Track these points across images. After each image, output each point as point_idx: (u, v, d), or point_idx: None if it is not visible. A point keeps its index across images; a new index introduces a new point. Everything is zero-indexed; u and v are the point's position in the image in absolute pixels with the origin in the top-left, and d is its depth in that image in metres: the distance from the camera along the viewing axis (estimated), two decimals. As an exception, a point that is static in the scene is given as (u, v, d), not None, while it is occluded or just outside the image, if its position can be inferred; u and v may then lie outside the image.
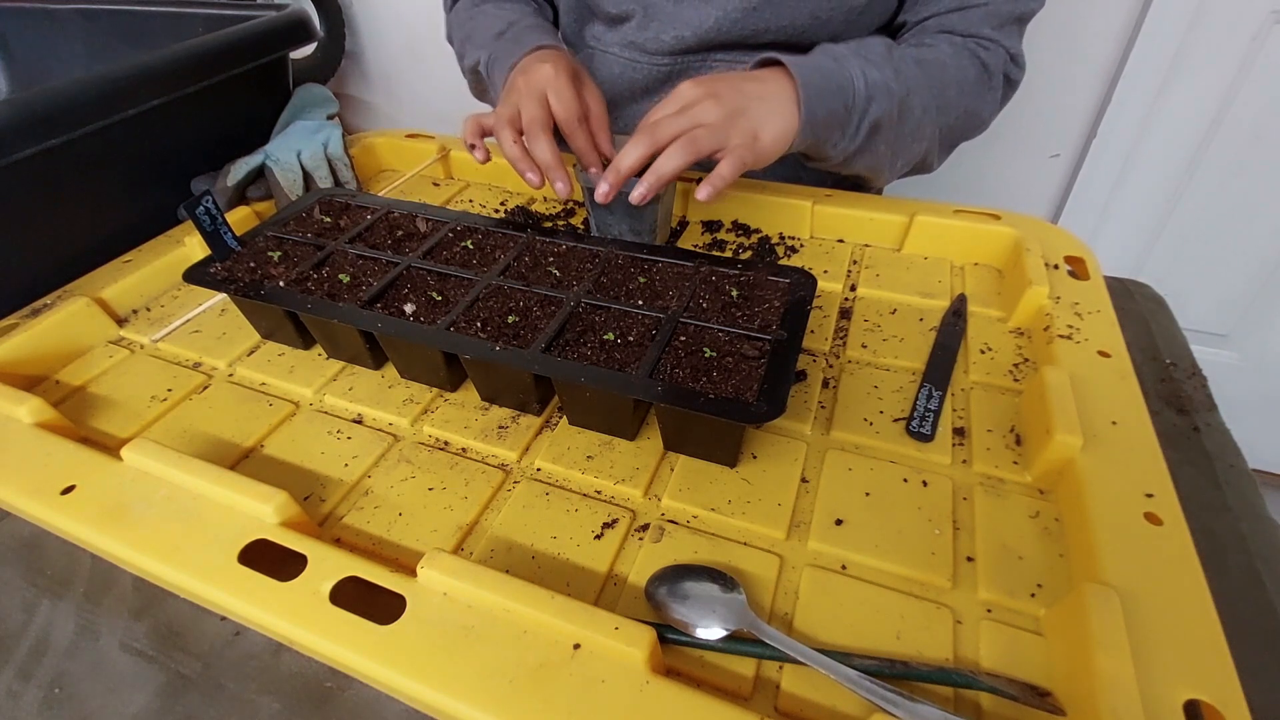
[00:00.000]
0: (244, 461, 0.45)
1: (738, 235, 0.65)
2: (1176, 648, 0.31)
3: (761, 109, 0.51)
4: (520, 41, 0.63)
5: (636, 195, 0.50)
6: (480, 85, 0.73)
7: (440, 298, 0.48)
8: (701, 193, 0.49)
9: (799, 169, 0.73)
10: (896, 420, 0.46)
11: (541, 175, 0.55)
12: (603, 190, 0.51)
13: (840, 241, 0.64)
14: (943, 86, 0.59)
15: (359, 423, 0.47)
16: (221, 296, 0.58)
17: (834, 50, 0.55)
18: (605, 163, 0.58)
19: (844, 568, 0.37)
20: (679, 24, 0.66)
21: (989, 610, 0.35)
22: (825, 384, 0.49)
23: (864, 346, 0.52)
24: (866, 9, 0.63)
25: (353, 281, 0.49)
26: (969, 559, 0.38)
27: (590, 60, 0.75)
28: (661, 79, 0.70)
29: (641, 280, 0.49)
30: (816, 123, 0.52)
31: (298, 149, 0.68)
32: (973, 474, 0.42)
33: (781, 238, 0.64)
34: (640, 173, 0.52)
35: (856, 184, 0.78)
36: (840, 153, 0.56)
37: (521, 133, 0.56)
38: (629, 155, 0.50)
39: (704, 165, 0.71)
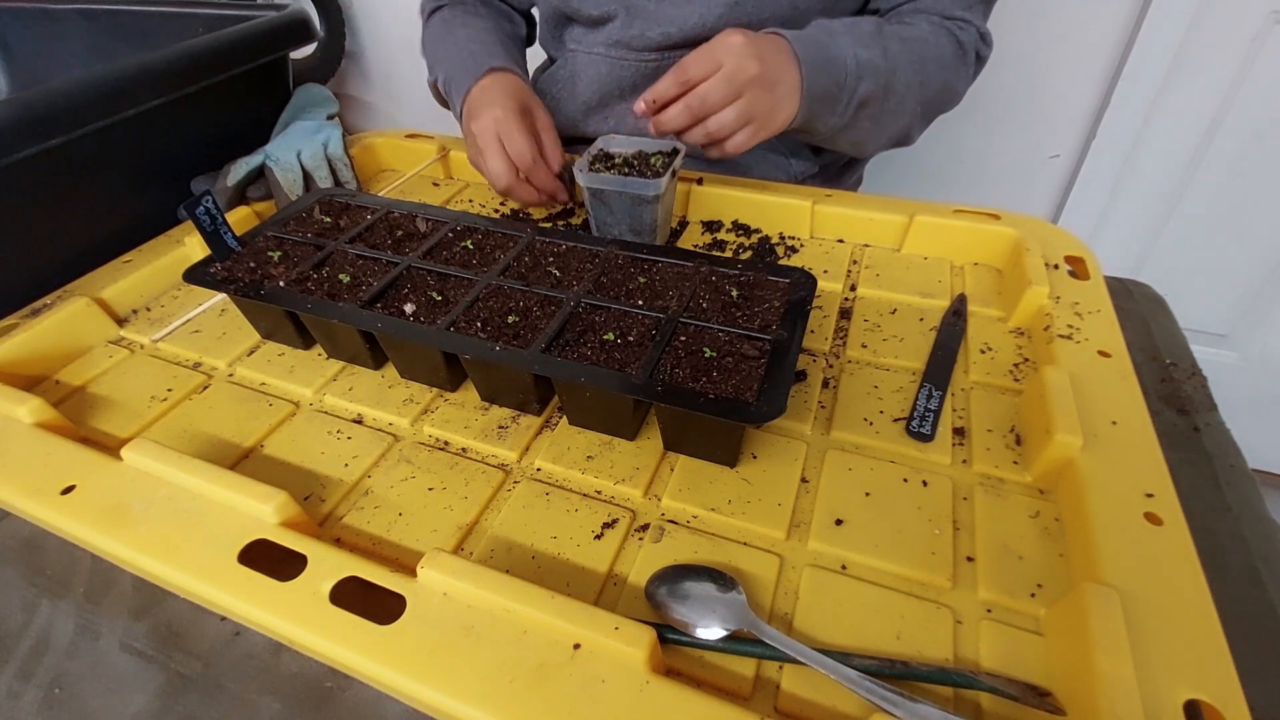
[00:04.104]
0: (244, 461, 0.45)
1: (738, 235, 0.65)
2: (1176, 648, 0.31)
3: (784, 87, 0.54)
4: (477, 63, 0.67)
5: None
6: (442, 100, 0.75)
7: (440, 298, 0.48)
8: (713, 153, 0.56)
9: (793, 154, 0.75)
10: (896, 420, 0.46)
11: (551, 195, 0.65)
12: (639, 108, 0.55)
13: (840, 241, 0.64)
14: (924, 63, 0.62)
15: (359, 423, 0.47)
16: (221, 296, 0.58)
17: (829, 26, 0.58)
18: (567, 185, 0.66)
19: (844, 568, 0.37)
20: (664, 22, 0.66)
21: (989, 610, 0.35)
22: (825, 384, 0.49)
23: (864, 346, 0.52)
24: None
25: (353, 281, 0.49)
26: (969, 559, 0.38)
27: (574, 61, 0.75)
28: (650, 75, 0.70)
29: (641, 280, 0.49)
30: (813, 99, 0.55)
31: (298, 149, 0.68)
32: (973, 474, 0.42)
33: (781, 238, 0.64)
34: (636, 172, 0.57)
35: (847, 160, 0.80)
36: (829, 128, 0.59)
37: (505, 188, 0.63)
38: (673, 123, 0.53)
39: (701, 158, 0.72)
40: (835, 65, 0.55)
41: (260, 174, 0.67)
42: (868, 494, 0.41)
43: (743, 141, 0.53)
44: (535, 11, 0.81)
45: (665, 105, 0.54)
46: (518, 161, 0.62)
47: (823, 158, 0.77)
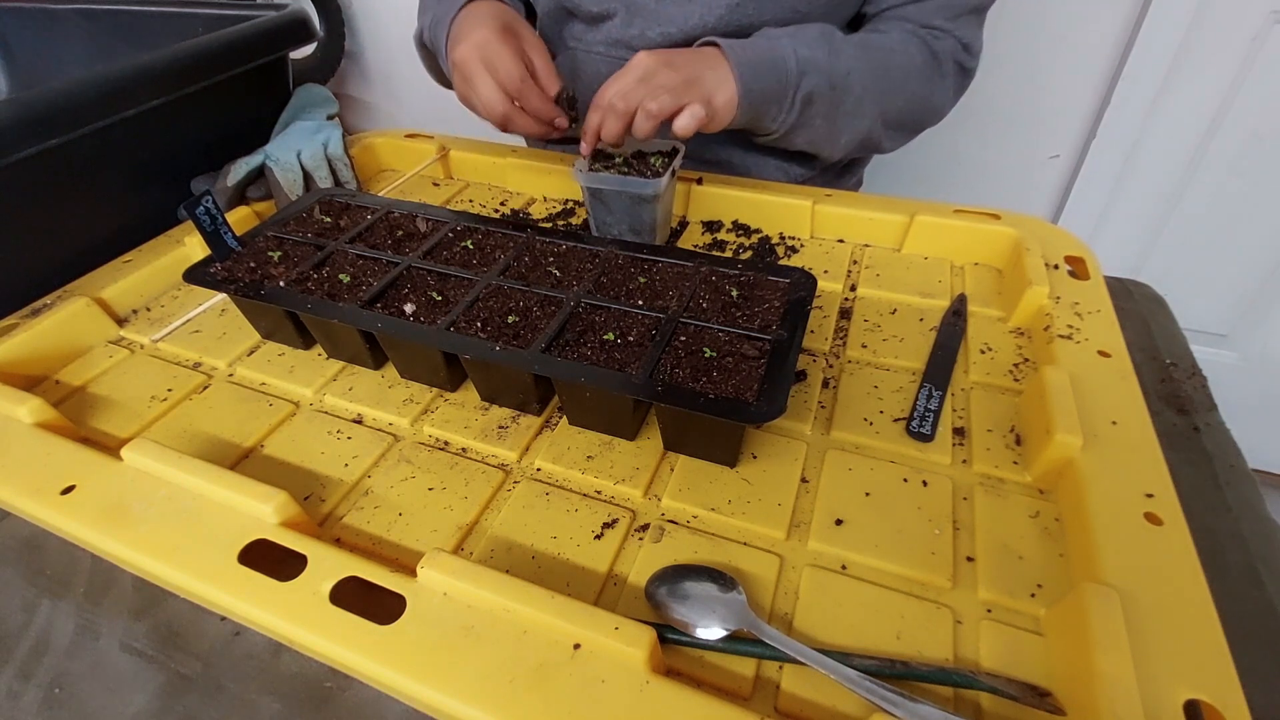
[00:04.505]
0: (244, 461, 0.45)
1: (738, 235, 0.65)
2: (1176, 648, 0.31)
3: (712, 76, 0.55)
4: None
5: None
6: (430, 59, 0.73)
7: (440, 298, 0.48)
8: (675, 126, 0.54)
9: (790, 159, 0.75)
10: (896, 420, 0.46)
11: (551, 126, 0.60)
12: (583, 149, 0.57)
13: (840, 241, 0.64)
14: (886, 70, 0.63)
15: (359, 423, 0.47)
16: (221, 296, 0.58)
17: (770, 32, 0.59)
18: (567, 111, 0.61)
19: (844, 568, 0.37)
20: (664, 21, 0.66)
21: (989, 610, 0.35)
22: (825, 384, 0.49)
23: (864, 346, 0.52)
24: (842, 2, 0.65)
25: (353, 281, 0.49)
26: (969, 559, 0.38)
27: (573, 60, 0.75)
28: None
29: (641, 280, 0.49)
30: (754, 95, 0.56)
31: (298, 149, 0.68)
32: (973, 474, 0.42)
33: (781, 238, 0.65)
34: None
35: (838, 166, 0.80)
36: (780, 124, 0.61)
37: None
38: (611, 128, 0.54)
39: (702, 162, 0.71)
40: (774, 63, 0.57)
41: (260, 174, 0.67)
42: (868, 494, 0.41)
43: (688, 123, 0.52)
44: (537, 4, 0.80)
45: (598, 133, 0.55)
46: (507, 85, 0.57)
47: (821, 161, 0.77)
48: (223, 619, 0.38)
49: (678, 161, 0.59)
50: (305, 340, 0.53)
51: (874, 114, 0.64)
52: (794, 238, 0.64)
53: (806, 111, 0.60)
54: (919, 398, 0.47)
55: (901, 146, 0.72)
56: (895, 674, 0.32)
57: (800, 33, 0.59)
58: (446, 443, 0.46)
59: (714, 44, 0.57)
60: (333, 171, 0.69)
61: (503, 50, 0.57)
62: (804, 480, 0.42)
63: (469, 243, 0.54)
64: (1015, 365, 0.50)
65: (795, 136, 0.63)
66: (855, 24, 0.70)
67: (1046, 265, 0.54)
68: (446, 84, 0.75)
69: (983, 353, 0.51)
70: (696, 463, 0.43)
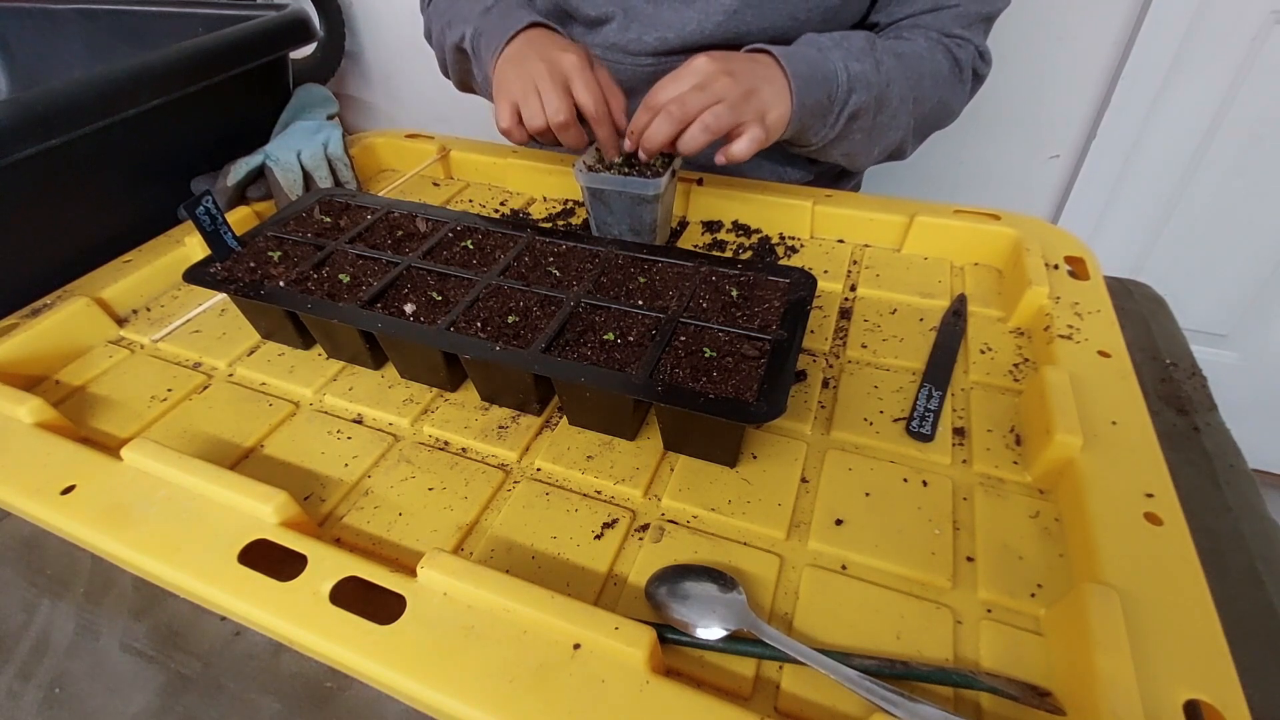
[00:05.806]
0: (244, 461, 0.45)
1: (738, 235, 0.65)
2: (1176, 648, 0.31)
3: (769, 90, 0.53)
4: (510, 17, 0.62)
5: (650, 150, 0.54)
6: (464, 64, 0.71)
7: (440, 298, 0.48)
8: (719, 159, 0.53)
9: (788, 163, 0.74)
10: (896, 420, 0.46)
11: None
12: (627, 145, 0.56)
13: (840, 241, 0.64)
14: (918, 78, 0.62)
15: (359, 423, 0.47)
16: (221, 296, 0.58)
17: (818, 41, 0.58)
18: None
19: (844, 568, 0.37)
20: (660, 26, 0.66)
21: (989, 610, 0.35)
22: (825, 384, 0.49)
23: (864, 346, 0.52)
24: (841, 9, 0.65)
25: (353, 281, 0.49)
26: (969, 559, 0.38)
27: None
28: (646, 79, 0.70)
29: (641, 280, 0.49)
30: (805, 111, 0.55)
31: (298, 149, 0.68)
32: (973, 474, 0.42)
33: (781, 238, 0.65)
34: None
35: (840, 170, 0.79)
36: (820, 139, 0.60)
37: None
38: (659, 133, 0.52)
39: (699, 165, 0.71)
40: (826, 79, 0.55)
41: (260, 174, 0.67)
42: (868, 494, 0.41)
43: (747, 148, 0.51)
44: (535, 6, 0.80)
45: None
46: (590, 106, 0.55)
47: (818, 166, 0.77)
48: (223, 619, 0.38)
49: (678, 162, 0.59)
50: (305, 340, 0.53)
51: (907, 125, 0.64)
52: (794, 238, 0.64)
53: (850, 126, 0.59)
54: (919, 398, 0.47)
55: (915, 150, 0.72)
56: (895, 674, 0.32)
57: (847, 43, 0.58)
58: (446, 443, 0.46)
59: (766, 51, 0.55)
60: (333, 171, 0.69)
61: (592, 78, 0.56)
62: (804, 480, 0.42)
63: (469, 243, 0.54)
64: (1015, 365, 0.50)
65: (833, 150, 0.62)
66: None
67: (1046, 265, 0.54)
68: (468, 89, 0.76)
69: (983, 353, 0.51)
70: (696, 463, 0.43)
